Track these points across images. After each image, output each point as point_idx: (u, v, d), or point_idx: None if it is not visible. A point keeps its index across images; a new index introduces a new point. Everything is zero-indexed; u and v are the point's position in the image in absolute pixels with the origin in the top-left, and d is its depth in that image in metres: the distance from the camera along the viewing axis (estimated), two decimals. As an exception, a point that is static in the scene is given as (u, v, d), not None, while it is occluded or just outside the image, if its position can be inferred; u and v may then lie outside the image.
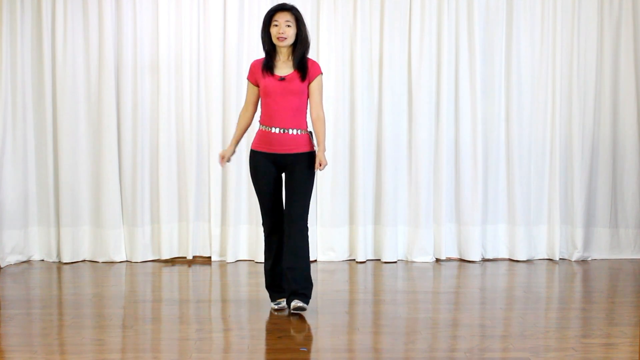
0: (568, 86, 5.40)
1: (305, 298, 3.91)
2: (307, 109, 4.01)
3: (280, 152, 3.90)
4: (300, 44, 3.91)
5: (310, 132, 4.00)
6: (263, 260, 4.21)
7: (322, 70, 4.18)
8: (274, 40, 3.90)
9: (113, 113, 5.26)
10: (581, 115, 5.40)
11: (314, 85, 3.93)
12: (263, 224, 4.06)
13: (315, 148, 3.98)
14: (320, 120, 3.95)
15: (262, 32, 3.97)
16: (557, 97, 5.37)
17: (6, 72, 5.19)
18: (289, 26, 3.87)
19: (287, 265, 3.92)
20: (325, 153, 3.98)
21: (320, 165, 3.89)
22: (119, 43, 5.29)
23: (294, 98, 3.90)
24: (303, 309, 3.87)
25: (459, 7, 5.33)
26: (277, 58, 3.94)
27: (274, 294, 4.08)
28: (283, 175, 4.00)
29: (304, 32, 3.93)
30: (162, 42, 5.28)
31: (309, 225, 3.99)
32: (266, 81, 3.90)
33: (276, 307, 4.04)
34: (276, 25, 3.88)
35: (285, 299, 4.02)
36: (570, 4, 5.36)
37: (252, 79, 3.98)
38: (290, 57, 3.94)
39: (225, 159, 4.05)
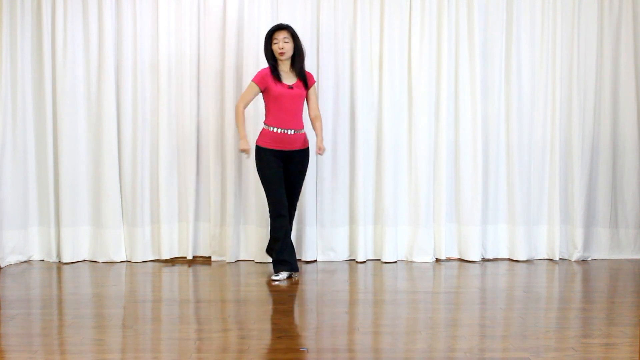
0: (568, 86, 5.40)
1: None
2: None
3: (289, 149, 4.69)
4: (299, 56, 4.69)
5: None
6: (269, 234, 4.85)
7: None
8: (276, 56, 4.67)
9: (113, 113, 5.27)
10: (581, 115, 5.40)
11: (311, 91, 4.80)
12: (270, 209, 4.71)
13: (309, 146, 4.86)
14: (319, 119, 4.85)
15: (264, 50, 4.71)
16: (557, 97, 5.37)
17: (6, 72, 5.19)
18: (286, 42, 4.64)
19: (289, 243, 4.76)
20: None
21: (320, 149, 4.71)
22: (119, 43, 5.29)
23: (299, 103, 4.69)
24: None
25: (459, 8, 5.33)
26: (280, 69, 4.70)
27: (278, 266, 4.74)
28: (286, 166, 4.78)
29: (300, 46, 4.70)
30: (162, 42, 5.28)
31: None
32: (277, 88, 4.62)
33: (276, 278, 4.70)
34: (276, 43, 4.65)
35: (286, 272, 4.74)
36: (570, 4, 5.36)
37: (262, 84, 4.65)
38: (291, 69, 4.72)
39: (248, 150, 4.69)
